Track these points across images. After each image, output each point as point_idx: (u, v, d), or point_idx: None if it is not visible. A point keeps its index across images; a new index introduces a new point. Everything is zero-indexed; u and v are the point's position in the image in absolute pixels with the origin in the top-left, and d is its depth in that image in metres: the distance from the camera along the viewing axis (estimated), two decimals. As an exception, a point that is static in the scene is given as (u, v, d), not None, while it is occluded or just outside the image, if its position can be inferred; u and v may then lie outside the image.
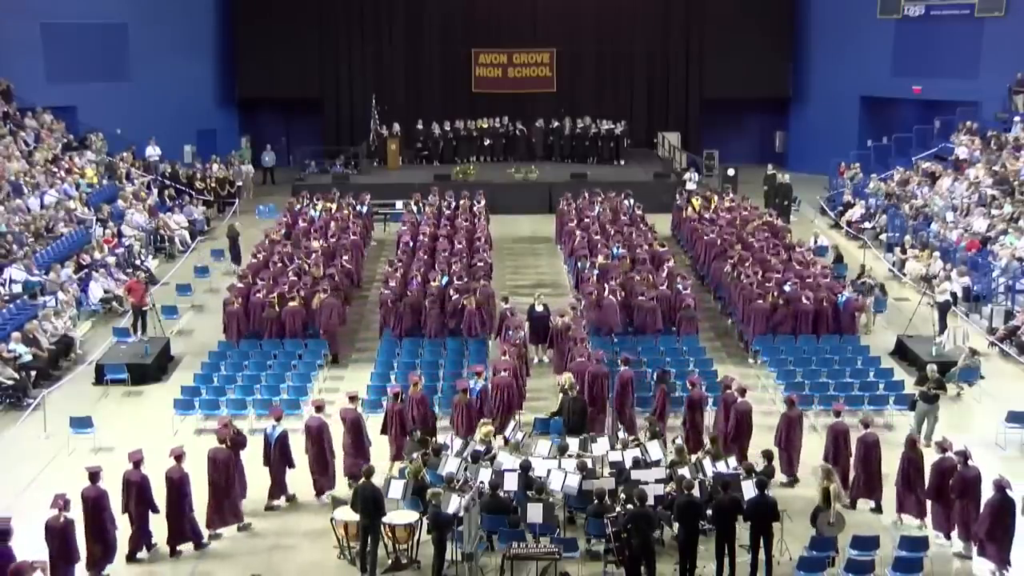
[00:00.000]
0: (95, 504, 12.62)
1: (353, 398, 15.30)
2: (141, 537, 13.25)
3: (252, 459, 14.36)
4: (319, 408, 14.82)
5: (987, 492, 12.83)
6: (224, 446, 13.81)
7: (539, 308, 19.93)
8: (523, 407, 16.94)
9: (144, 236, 27.16)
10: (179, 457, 13.37)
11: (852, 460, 14.30)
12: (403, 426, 15.20)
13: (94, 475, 12.76)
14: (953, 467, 13.14)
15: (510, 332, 18.34)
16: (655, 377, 16.68)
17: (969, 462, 13.07)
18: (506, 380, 16.16)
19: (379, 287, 22.14)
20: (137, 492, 13.07)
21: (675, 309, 20.08)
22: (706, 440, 15.06)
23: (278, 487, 14.50)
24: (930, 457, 13.70)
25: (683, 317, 19.79)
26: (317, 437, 14.49)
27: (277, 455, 14.40)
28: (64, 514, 12.13)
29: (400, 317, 19.76)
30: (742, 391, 15.48)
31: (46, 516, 12.17)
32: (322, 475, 14.58)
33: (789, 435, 14.94)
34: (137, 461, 13.21)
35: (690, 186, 31.17)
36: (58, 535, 12.01)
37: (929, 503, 13.58)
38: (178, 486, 13.21)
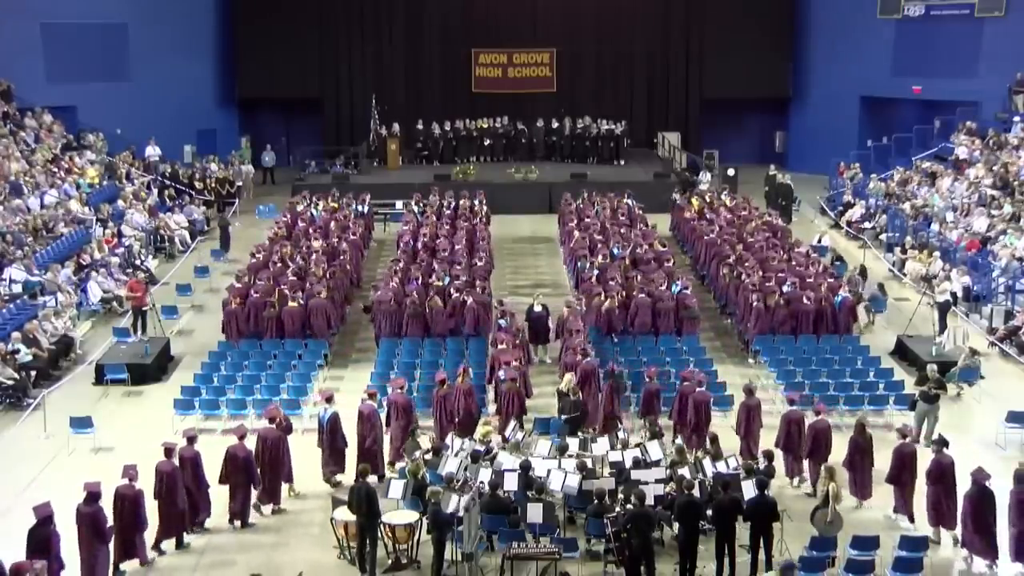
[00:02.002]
0: (169, 478, 13.21)
1: (402, 386, 15.69)
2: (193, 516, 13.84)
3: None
4: (371, 395, 15.34)
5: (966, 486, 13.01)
6: (275, 427, 14.30)
7: (538, 308, 19.89)
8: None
9: (144, 236, 27.16)
10: (242, 436, 13.99)
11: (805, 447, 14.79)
12: (448, 412, 15.58)
13: (169, 450, 13.38)
14: (912, 452, 13.75)
15: (501, 321, 18.37)
16: (603, 374, 16.80)
17: (945, 450, 13.41)
18: (519, 370, 16.45)
19: (380, 287, 22.11)
20: (192, 468, 13.67)
21: (676, 309, 20.07)
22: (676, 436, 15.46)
23: (335, 465, 14.91)
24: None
25: (685, 317, 19.79)
26: (369, 422, 14.90)
27: (329, 436, 14.84)
28: (134, 483, 12.71)
29: (390, 318, 19.76)
30: (699, 382, 15.78)
31: (116, 484, 12.69)
32: (372, 460, 14.87)
33: (748, 423, 15.25)
34: (192, 437, 13.86)
35: (703, 186, 31.19)
36: (130, 502, 12.63)
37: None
38: (244, 465, 13.78)
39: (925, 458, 13.85)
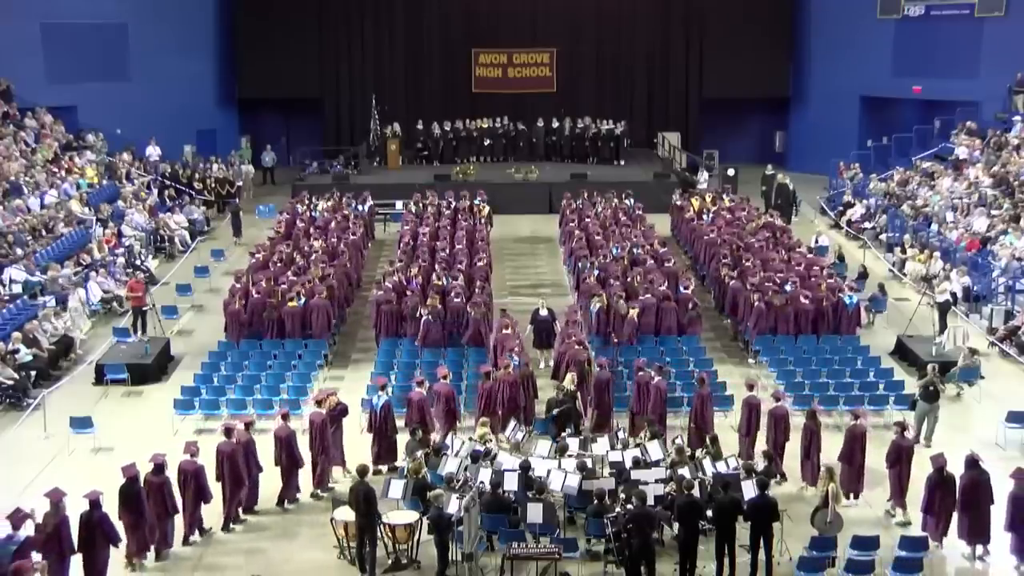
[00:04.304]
0: (229, 458, 13.72)
1: (445, 376, 16.17)
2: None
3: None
4: (420, 383, 15.78)
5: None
6: (321, 410, 14.79)
7: (543, 312, 19.71)
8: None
9: (144, 236, 27.17)
10: (285, 416, 14.69)
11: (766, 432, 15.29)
12: (492, 404, 15.85)
13: (229, 431, 14.00)
14: (863, 434, 14.39)
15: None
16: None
17: (906, 433, 14.19)
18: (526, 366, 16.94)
19: (379, 287, 22.11)
20: (286, 448, 14.35)
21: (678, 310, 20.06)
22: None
23: (384, 453, 15.23)
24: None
25: (690, 317, 19.78)
26: (419, 410, 15.44)
27: (381, 424, 15.23)
28: (195, 458, 13.40)
29: (392, 319, 19.73)
30: (659, 369, 16.21)
31: (179, 460, 13.43)
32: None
33: (703, 413, 15.57)
34: (249, 423, 14.59)
35: (701, 185, 31.16)
36: (193, 476, 13.33)
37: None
38: (287, 444, 14.35)
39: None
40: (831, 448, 14.82)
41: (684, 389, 16.89)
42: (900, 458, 13.93)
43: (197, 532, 13.62)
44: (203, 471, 13.46)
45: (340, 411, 15.14)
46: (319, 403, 15.04)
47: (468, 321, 19.15)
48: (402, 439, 15.35)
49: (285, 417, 14.67)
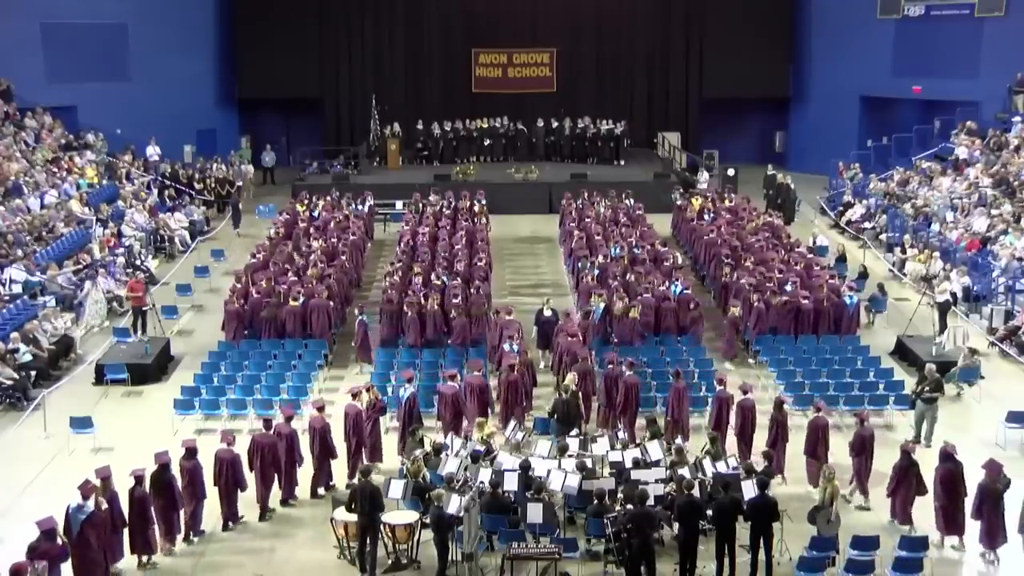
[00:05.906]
0: (271, 450, 14.13)
1: (479, 368, 16.50)
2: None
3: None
4: (452, 377, 16.15)
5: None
6: (357, 402, 15.02)
7: (547, 313, 19.65)
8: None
9: (144, 236, 27.16)
10: (321, 408, 14.86)
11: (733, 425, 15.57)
12: (516, 395, 16.16)
13: (267, 422, 14.42)
14: (825, 425, 14.91)
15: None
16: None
17: (865, 424, 14.53)
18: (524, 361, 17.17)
19: (379, 287, 22.10)
20: (321, 438, 14.60)
21: (678, 310, 20.05)
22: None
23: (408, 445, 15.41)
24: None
25: (692, 317, 19.78)
26: (453, 403, 15.79)
27: (407, 416, 15.45)
28: (232, 447, 13.71)
29: (391, 319, 19.74)
30: (630, 364, 16.38)
31: (216, 448, 13.80)
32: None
33: (678, 406, 15.99)
34: (289, 416, 14.81)
35: (701, 185, 31.16)
36: (229, 465, 13.65)
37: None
38: (322, 435, 14.59)
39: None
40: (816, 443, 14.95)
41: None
42: (864, 447, 14.35)
43: (230, 521, 13.91)
44: (239, 460, 13.76)
45: (379, 407, 15.40)
46: (355, 396, 15.15)
47: (410, 322, 19.21)
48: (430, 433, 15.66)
49: (321, 409, 14.82)
